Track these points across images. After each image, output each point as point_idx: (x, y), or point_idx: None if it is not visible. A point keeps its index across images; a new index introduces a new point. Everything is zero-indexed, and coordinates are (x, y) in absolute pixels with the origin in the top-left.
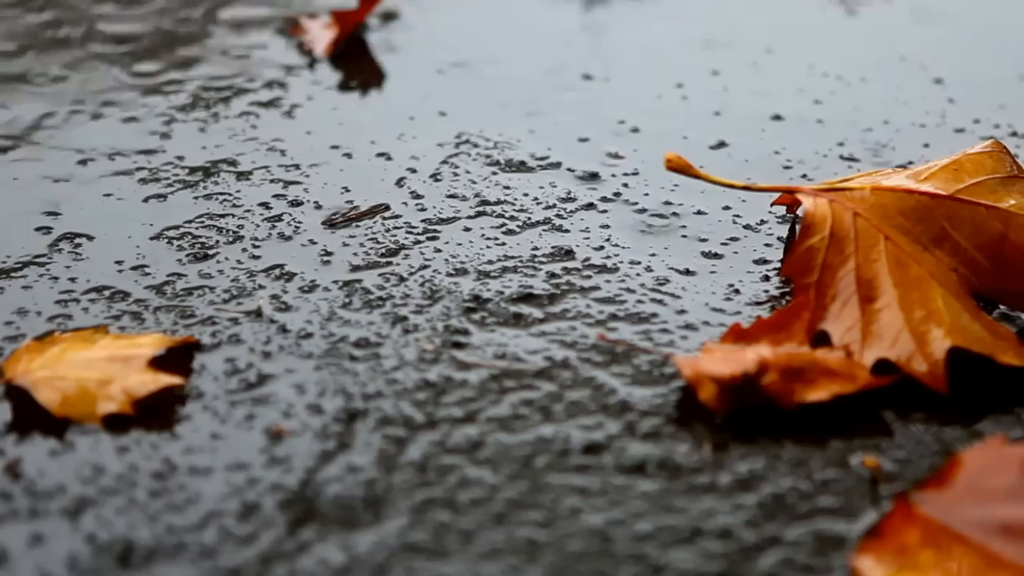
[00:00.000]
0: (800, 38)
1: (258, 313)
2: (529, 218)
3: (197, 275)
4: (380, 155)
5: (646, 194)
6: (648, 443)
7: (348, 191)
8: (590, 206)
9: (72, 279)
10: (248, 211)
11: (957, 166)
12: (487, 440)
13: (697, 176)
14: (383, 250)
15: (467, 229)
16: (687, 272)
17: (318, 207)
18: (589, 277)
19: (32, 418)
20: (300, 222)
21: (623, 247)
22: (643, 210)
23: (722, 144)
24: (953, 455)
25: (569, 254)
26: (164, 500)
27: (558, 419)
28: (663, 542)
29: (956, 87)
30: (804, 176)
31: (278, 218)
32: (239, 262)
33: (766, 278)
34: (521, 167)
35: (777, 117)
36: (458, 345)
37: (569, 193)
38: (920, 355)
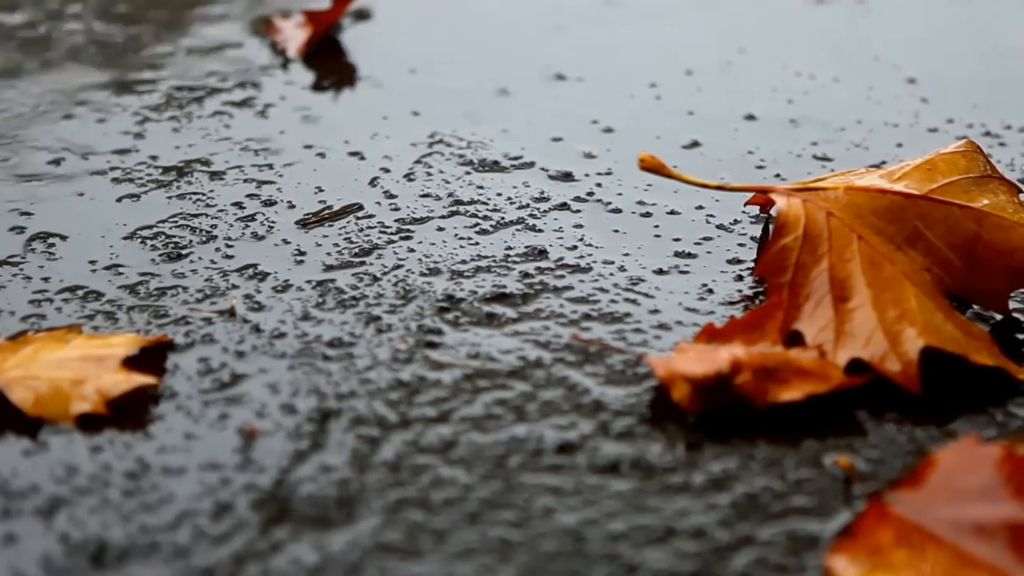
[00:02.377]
0: (773, 38)
1: (231, 313)
2: (502, 218)
3: (170, 275)
4: (353, 155)
5: (619, 194)
6: (621, 443)
7: (321, 191)
8: (563, 206)
9: (45, 279)
10: (221, 211)
11: (930, 166)
12: (460, 440)
13: (670, 176)
14: (356, 250)
15: (440, 229)
16: (660, 272)
17: (291, 207)
18: (562, 277)
19: (5, 418)
20: (273, 222)
21: (596, 247)
22: (617, 210)
23: (695, 144)
24: (926, 455)
25: (542, 254)
26: (137, 500)
27: (531, 419)
28: (636, 542)
29: (929, 87)
30: (777, 176)
31: (251, 218)
32: (212, 262)
33: (739, 278)
34: (494, 167)
35: (750, 117)
36: (431, 345)
37: (542, 193)
38: (893, 355)
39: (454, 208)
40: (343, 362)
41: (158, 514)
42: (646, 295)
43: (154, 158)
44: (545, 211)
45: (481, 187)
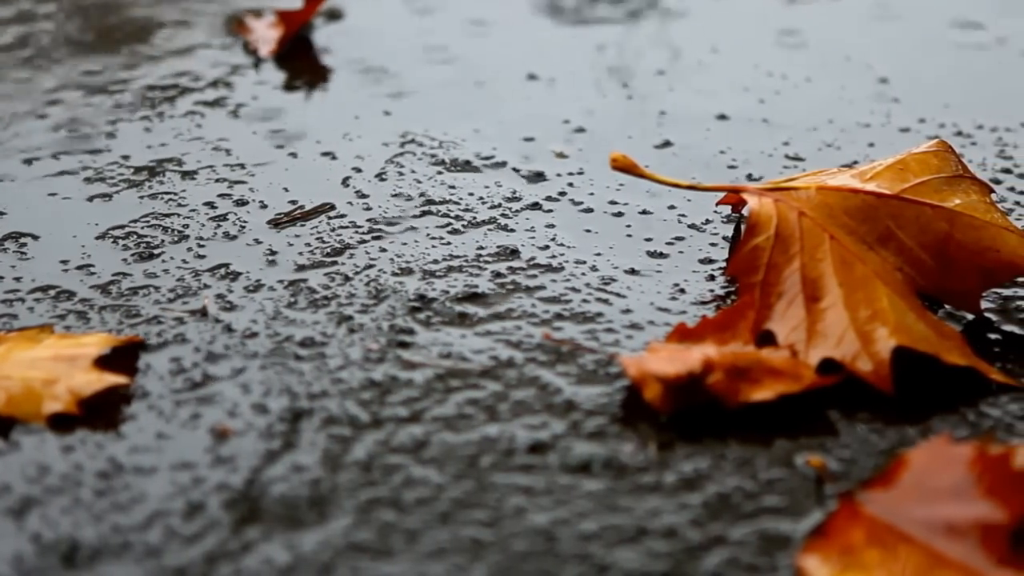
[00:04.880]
0: (745, 38)
1: (203, 312)
2: (474, 217)
3: (142, 274)
4: (325, 155)
5: (591, 193)
6: (593, 442)
7: (293, 191)
8: (535, 206)
9: (17, 278)
10: (193, 210)
11: (902, 165)
12: (432, 439)
13: (642, 175)
14: (328, 249)
15: (412, 228)
16: (632, 271)
17: (263, 207)
18: (534, 276)
19: None
20: (245, 221)
21: (568, 246)
22: (588, 209)
23: (667, 143)
24: (898, 454)
25: (514, 253)
26: (109, 499)
27: (503, 418)
28: (608, 541)
29: (901, 86)
30: (749, 176)
31: (223, 217)
32: (184, 261)
33: (711, 277)
34: (466, 166)
35: (722, 116)
36: (403, 344)
37: (514, 192)
38: (865, 354)
39: (426, 208)
40: (315, 362)
41: (130, 514)
42: (618, 295)
43: (126, 158)
44: (517, 211)
45: (453, 187)
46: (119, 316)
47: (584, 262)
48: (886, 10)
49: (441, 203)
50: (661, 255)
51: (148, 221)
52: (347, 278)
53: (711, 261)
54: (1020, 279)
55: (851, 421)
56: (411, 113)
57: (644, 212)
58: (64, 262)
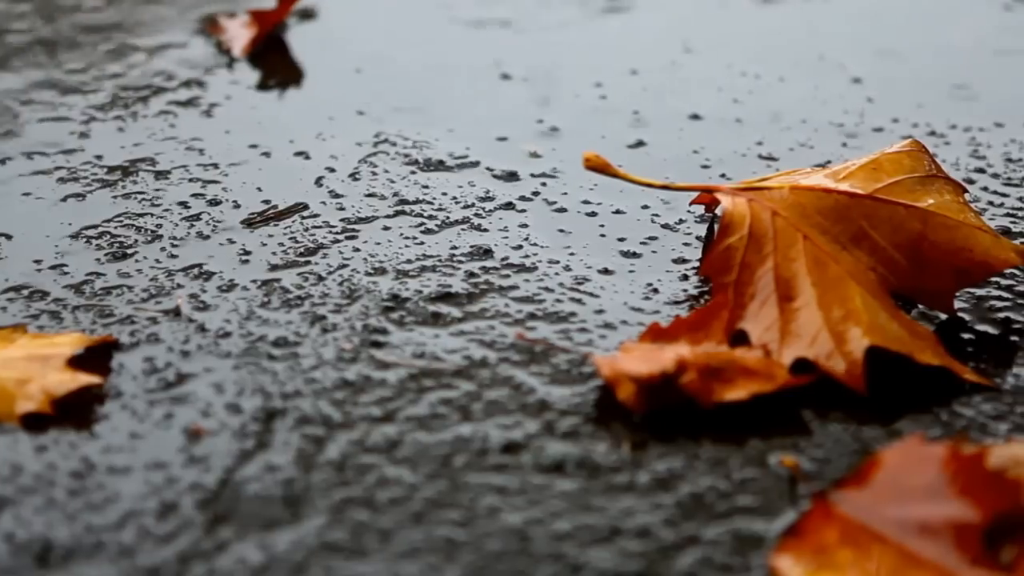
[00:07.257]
0: (719, 37)
1: (177, 312)
2: (448, 217)
3: (116, 274)
4: (299, 154)
5: (565, 193)
6: (567, 442)
7: (266, 190)
8: (509, 205)
9: None
10: (167, 210)
11: (876, 165)
12: (405, 439)
13: (616, 175)
14: (302, 249)
15: (386, 228)
16: (606, 271)
17: (237, 206)
18: (508, 276)
19: None
20: (219, 221)
21: (542, 246)
22: (562, 209)
23: (640, 143)
24: (872, 454)
25: (488, 253)
26: (83, 499)
27: (477, 418)
28: (582, 541)
29: (875, 86)
30: (723, 175)
31: (197, 217)
32: (158, 261)
33: (685, 277)
34: (440, 166)
35: (695, 116)
36: (377, 344)
37: (488, 192)
38: (838, 354)
39: (399, 208)
40: (288, 361)
41: (103, 513)
42: (591, 294)
43: (99, 157)
44: (490, 211)
45: (426, 187)
46: (92, 316)
47: (557, 262)
48: (859, 9)
49: (414, 203)
50: (634, 255)
51: (121, 221)
52: (320, 278)
53: (684, 261)
54: (993, 279)
55: (824, 421)
56: (384, 113)
57: (617, 212)
58: (37, 262)
